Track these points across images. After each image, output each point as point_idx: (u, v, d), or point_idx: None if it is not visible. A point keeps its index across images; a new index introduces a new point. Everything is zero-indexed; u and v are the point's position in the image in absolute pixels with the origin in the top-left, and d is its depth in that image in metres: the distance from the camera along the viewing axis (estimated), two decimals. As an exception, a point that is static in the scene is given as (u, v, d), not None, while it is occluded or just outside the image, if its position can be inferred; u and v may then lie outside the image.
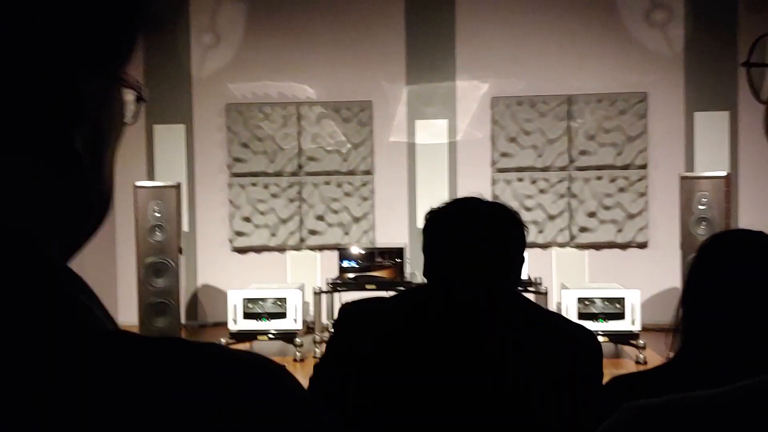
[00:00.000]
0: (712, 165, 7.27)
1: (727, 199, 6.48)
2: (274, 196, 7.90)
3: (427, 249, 1.55)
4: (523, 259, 1.59)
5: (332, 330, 1.66)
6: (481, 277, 1.49)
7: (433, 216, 1.58)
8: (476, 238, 1.52)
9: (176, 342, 0.51)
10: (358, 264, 6.76)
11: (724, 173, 6.60)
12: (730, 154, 7.56)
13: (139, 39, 0.58)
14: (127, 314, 7.19)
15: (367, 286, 6.61)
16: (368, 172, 7.87)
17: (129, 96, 0.60)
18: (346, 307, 1.65)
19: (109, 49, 0.56)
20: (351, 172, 7.87)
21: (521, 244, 1.58)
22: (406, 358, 1.49)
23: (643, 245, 7.65)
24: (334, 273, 6.89)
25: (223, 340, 6.48)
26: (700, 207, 6.49)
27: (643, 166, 7.61)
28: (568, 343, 1.55)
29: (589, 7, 7.64)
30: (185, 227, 7.60)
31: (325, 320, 6.72)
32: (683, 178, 6.75)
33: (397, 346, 1.51)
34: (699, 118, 7.59)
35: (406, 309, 1.58)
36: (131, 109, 0.61)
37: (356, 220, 7.86)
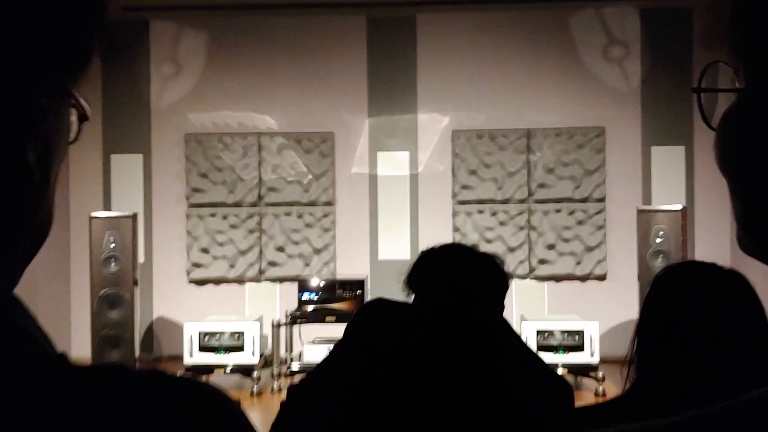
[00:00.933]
0: (669, 198, 7.38)
1: (683, 232, 6.58)
2: (233, 227, 7.81)
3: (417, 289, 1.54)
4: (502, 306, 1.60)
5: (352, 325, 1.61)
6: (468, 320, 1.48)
7: (425, 260, 1.58)
8: (465, 288, 1.51)
9: (115, 369, 0.49)
10: (318, 296, 6.68)
11: (680, 207, 6.70)
12: (686, 188, 7.69)
13: (93, 56, 0.56)
14: (80, 347, 7.01)
15: (327, 319, 6.54)
16: (329, 203, 7.84)
17: (73, 116, 0.58)
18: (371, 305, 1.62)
19: (62, 62, 0.54)
20: (312, 203, 7.82)
21: (503, 293, 1.59)
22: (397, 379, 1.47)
23: (601, 277, 7.71)
24: (294, 305, 6.80)
25: (178, 374, 6.33)
26: (657, 240, 6.57)
27: (601, 200, 7.69)
28: (545, 399, 1.54)
29: (548, 43, 7.76)
30: (141, 258, 7.46)
31: (283, 353, 6.61)
32: (640, 212, 6.83)
33: (392, 366, 1.48)
34: (656, 152, 7.72)
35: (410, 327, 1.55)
36: (74, 128, 0.59)
37: (317, 251, 7.80)
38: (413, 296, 1.55)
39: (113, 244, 6.46)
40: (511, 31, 7.77)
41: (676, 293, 1.43)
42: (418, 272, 1.55)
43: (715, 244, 7.49)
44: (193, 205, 7.83)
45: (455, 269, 1.54)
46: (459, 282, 1.51)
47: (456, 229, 7.73)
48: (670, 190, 7.64)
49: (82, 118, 0.58)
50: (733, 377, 1.30)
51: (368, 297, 6.78)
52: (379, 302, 1.64)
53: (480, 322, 1.50)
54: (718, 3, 7.53)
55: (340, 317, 6.49)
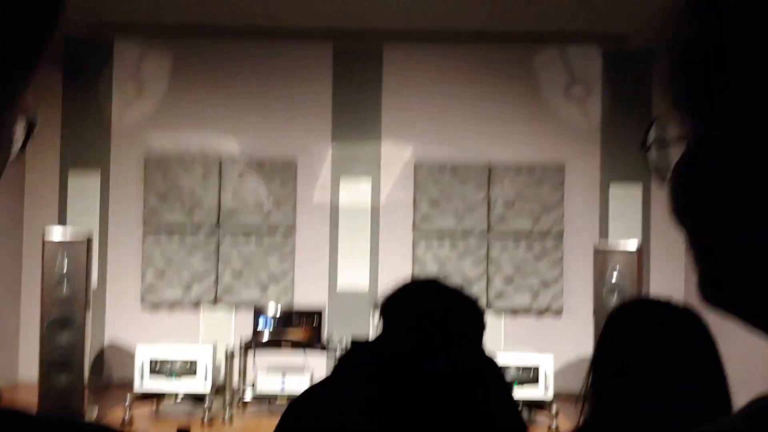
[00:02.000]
0: (626, 236, 7.48)
1: (638, 269, 6.65)
2: (190, 251, 7.71)
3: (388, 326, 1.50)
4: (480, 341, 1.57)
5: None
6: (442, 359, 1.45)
7: (397, 296, 1.54)
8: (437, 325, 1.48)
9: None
10: (274, 324, 6.60)
11: (636, 244, 6.78)
12: (642, 226, 7.81)
13: (42, 61, 0.52)
14: (28, 370, 6.81)
15: (283, 347, 6.46)
16: (290, 230, 7.79)
17: (21, 123, 0.55)
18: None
19: (10, 65, 0.50)
20: (272, 229, 7.77)
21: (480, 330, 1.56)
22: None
23: (557, 312, 7.76)
24: (249, 332, 6.71)
25: (128, 400, 6.19)
26: (613, 276, 6.63)
27: (560, 235, 7.77)
28: None
29: (512, 80, 7.87)
30: (95, 280, 7.30)
31: (236, 382, 6.51)
32: (597, 248, 6.91)
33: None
34: (614, 189, 7.84)
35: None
36: (20, 137, 0.55)
37: (275, 278, 7.73)
38: (383, 325, 1.52)
39: (66, 266, 6.32)
40: (476, 66, 7.87)
41: (631, 329, 1.44)
42: (396, 303, 1.51)
43: (669, 281, 7.60)
44: (149, 227, 7.72)
45: (435, 306, 1.51)
46: (437, 321, 1.49)
47: (416, 260, 7.73)
48: (626, 227, 7.75)
49: (30, 126, 0.55)
50: (685, 414, 1.31)
51: (325, 328, 6.73)
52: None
53: (456, 368, 1.48)
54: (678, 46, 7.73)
55: (295, 346, 6.42)
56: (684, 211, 0.56)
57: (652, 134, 0.63)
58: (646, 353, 1.38)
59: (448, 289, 1.60)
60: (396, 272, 7.70)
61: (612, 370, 1.42)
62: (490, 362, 1.56)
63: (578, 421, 1.49)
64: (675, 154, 0.58)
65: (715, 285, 0.55)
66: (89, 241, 6.43)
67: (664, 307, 1.45)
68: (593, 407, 1.43)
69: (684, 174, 0.55)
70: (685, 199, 0.55)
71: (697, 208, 0.54)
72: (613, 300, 6.49)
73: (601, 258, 6.75)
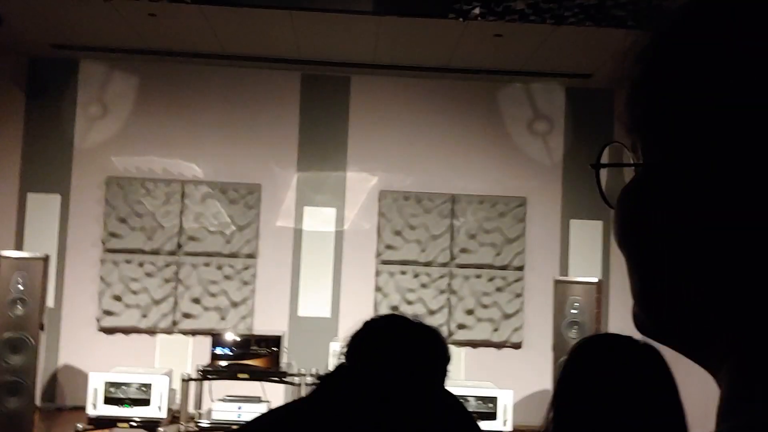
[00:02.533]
0: (585, 271, 7.57)
1: (598, 304, 6.72)
2: (148, 275, 7.59)
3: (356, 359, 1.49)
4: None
5: None
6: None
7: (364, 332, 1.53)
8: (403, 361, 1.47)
9: None
10: (232, 351, 6.51)
11: (595, 280, 6.86)
12: (602, 262, 7.90)
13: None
14: (-26, 393, 6.60)
15: (240, 375, 6.37)
16: (251, 256, 7.72)
17: None
18: None
19: None
20: (233, 255, 7.70)
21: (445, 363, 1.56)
22: None
23: (517, 345, 7.79)
24: (206, 360, 6.61)
25: (80, 426, 6.05)
26: (572, 311, 6.69)
27: (520, 268, 7.83)
28: None
29: (477, 114, 7.97)
30: (50, 302, 7.15)
31: (192, 410, 6.39)
32: (557, 282, 6.97)
33: None
34: (574, 225, 7.94)
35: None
36: None
37: (234, 305, 7.64)
38: (349, 367, 1.50)
39: (21, 287, 6.19)
40: (442, 99, 7.96)
41: (593, 365, 1.45)
42: (359, 345, 1.50)
43: (627, 317, 7.56)
44: (108, 250, 7.60)
45: (398, 344, 1.51)
46: (401, 357, 1.48)
47: (378, 289, 7.72)
48: (586, 262, 7.84)
49: None
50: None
51: (284, 354, 6.66)
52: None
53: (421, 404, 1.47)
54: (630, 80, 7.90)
55: (253, 375, 6.34)
56: (627, 234, 0.58)
57: (605, 156, 0.66)
58: (609, 389, 1.39)
59: (413, 324, 1.59)
60: (358, 300, 7.68)
61: (575, 405, 1.43)
62: (454, 400, 1.56)
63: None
64: (624, 179, 0.60)
65: (651, 312, 0.56)
66: (46, 258, 6.32)
67: (626, 343, 1.47)
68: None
69: (630, 197, 0.57)
70: (629, 222, 0.57)
71: (639, 231, 0.56)
72: (572, 334, 6.54)
73: (561, 291, 6.81)
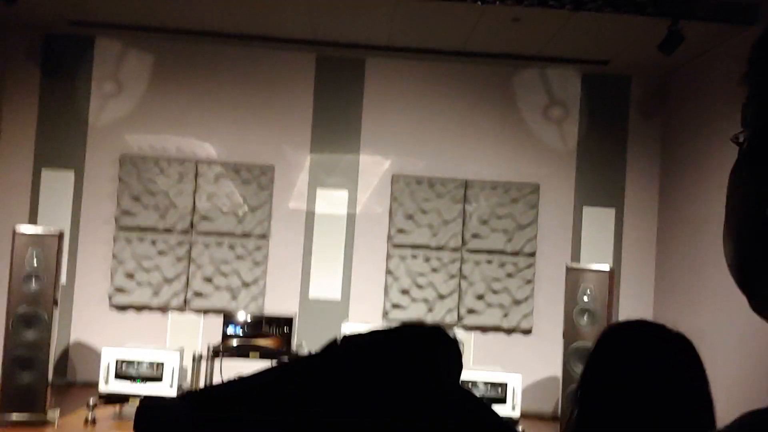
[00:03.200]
0: (597, 258, 7.55)
1: (609, 292, 6.71)
2: (161, 253, 7.63)
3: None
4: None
5: None
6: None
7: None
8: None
9: None
10: (243, 331, 6.56)
11: (607, 267, 6.84)
12: (614, 249, 7.88)
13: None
14: (-12, 367, 6.68)
15: (251, 355, 6.41)
16: (263, 237, 7.75)
17: None
18: None
19: None
20: (245, 235, 7.72)
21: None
22: None
23: (527, 331, 7.79)
24: (218, 338, 6.66)
25: (92, 401, 6.11)
26: (584, 298, 6.67)
27: (532, 254, 7.82)
28: None
29: (491, 99, 7.93)
30: (63, 278, 7.21)
31: (202, 387, 6.44)
32: (569, 269, 6.94)
33: None
34: (587, 212, 7.92)
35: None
36: None
37: (246, 285, 7.68)
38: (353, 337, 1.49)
39: (36, 262, 6.23)
40: (457, 83, 7.92)
41: (625, 352, 1.44)
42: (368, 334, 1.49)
43: (639, 304, 7.68)
44: (121, 228, 7.64)
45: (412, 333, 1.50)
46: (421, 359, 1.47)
47: (389, 272, 7.74)
48: (598, 250, 7.82)
49: None
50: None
51: (296, 335, 6.70)
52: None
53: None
54: (655, 74, 7.84)
55: (264, 354, 6.38)
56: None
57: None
58: (638, 377, 1.39)
59: (427, 329, 1.58)
60: (369, 283, 7.70)
61: (605, 392, 1.43)
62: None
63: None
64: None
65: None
66: (61, 235, 6.35)
67: (660, 331, 1.46)
68: (581, 428, 1.44)
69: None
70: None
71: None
72: (583, 322, 6.53)
73: (573, 278, 6.79)
